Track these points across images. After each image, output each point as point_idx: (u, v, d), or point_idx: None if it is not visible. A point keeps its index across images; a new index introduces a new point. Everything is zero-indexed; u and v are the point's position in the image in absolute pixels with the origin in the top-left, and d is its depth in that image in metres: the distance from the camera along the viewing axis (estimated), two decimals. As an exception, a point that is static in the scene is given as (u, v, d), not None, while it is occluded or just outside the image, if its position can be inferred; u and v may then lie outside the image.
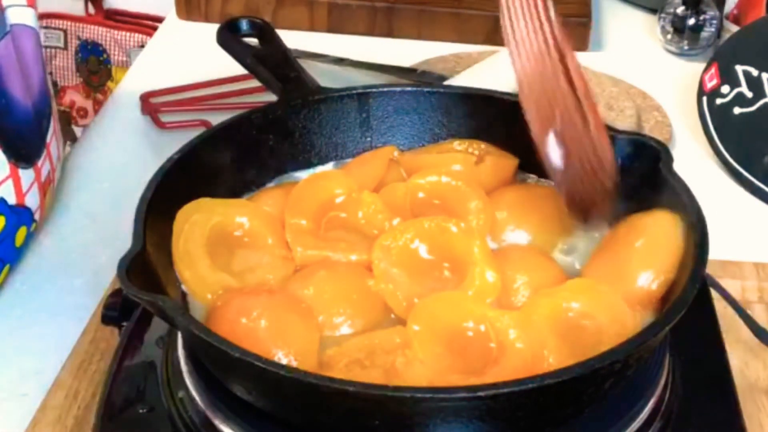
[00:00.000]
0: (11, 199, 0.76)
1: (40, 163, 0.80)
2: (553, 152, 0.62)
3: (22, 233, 0.79)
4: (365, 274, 0.63)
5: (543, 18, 0.60)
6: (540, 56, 0.61)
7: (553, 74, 0.61)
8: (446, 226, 0.63)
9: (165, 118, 1.03)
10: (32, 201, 0.80)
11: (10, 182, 0.76)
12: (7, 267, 0.80)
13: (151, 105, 1.05)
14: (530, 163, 0.72)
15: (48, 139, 0.82)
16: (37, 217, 0.81)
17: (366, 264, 0.63)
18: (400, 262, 0.62)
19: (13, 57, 0.76)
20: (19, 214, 0.78)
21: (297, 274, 0.63)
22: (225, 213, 0.66)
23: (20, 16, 0.77)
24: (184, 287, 0.62)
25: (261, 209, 0.68)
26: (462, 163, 0.70)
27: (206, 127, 0.96)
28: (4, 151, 0.75)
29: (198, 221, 0.64)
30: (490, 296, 0.60)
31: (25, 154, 0.78)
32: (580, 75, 0.61)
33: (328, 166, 0.74)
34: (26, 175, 0.78)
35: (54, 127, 0.84)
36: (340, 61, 1.11)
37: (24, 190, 0.78)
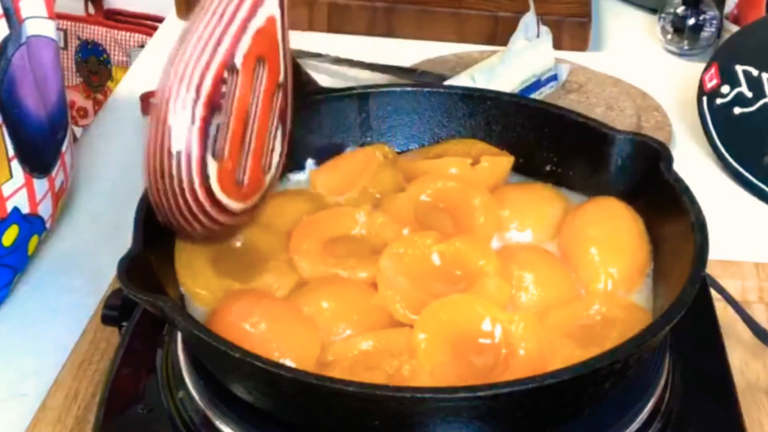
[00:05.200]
0: (25, 208, 0.76)
1: (54, 173, 0.80)
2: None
3: (34, 242, 0.79)
4: (369, 292, 0.62)
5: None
6: None
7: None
8: (457, 244, 0.63)
9: (165, 118, 1.03)
10: (45, 210, 0.79)
11: (24, 191, 0.75)
12: (18, 276, 0.79)
13: (151, 105, 1.05)
14: (528, 163, 0.73)
15: (63, 149, 0.82)
16: (48, 225, 0.81)
17: (373, 281, 0.62)
18: (407, 271, 0.62)
19: (27, 68, 0.75)
20: (32, 223, 0.78)
21: (301, 290, 0.62)
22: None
23: (40, 27, 0.77)
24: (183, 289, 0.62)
25: (262, 211, 0.67)
26: (458, 167, 0.70)
27: (206, 127, 0.95)
28: (20, 161, 0.74)
29: (198, 222, 0.64)
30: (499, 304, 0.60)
31: (39, 164, 0.77)
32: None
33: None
34: (40, 184, 0.77)
35: (68, 138, 0.83)
36: (339, 61, 1.11)
37: (37, 199, 0.77)
